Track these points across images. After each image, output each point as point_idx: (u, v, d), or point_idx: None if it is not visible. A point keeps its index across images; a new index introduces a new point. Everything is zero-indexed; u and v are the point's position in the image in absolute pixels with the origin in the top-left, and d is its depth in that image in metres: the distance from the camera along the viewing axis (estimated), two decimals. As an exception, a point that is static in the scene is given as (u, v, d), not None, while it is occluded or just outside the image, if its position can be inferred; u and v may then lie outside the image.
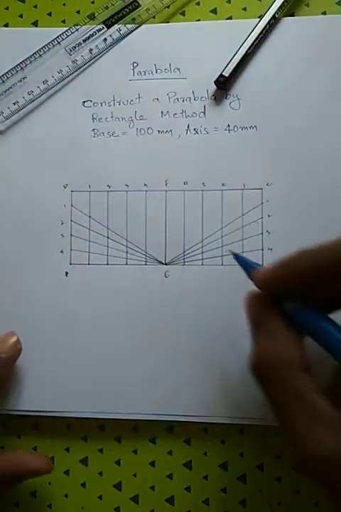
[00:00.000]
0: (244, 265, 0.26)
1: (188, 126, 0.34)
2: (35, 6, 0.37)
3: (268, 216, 0.32)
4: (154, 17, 0.36)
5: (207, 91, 0.34)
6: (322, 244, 0.22)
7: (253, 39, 0.33)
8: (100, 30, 0.35)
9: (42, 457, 0.30)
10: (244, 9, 0.35)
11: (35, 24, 0.37)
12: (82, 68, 0.35)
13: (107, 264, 0.33)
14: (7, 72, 0.34)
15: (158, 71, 0.34)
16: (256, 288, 0.24)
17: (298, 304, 0.23)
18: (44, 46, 0.35)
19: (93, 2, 0.37)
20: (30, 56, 0.35)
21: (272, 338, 0.22)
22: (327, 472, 0.20)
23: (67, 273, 0.33)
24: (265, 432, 0.31)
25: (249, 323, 0.24)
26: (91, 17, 0.35)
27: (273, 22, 0.34)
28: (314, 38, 0.34)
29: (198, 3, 0.36)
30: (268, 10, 0.34)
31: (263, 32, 0.33)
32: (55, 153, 0.34)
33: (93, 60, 0.35)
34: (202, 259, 0.32)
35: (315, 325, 0.22)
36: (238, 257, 0.27)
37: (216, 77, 0.33)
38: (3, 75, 0.34)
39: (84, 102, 0.35)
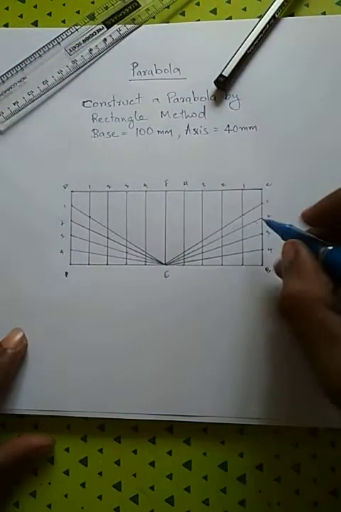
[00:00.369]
0: (276, 228, 0.28)
1: (188, 127, 0.34)
2: (35, 6, 0.37)
3: (268, 216, 0.32)
4: (154, 17, 0.36)
5: (207, 91, 0.34)
6: None
7: (253, 39, 0.33)
8: (100, 30, 0.35)
9: (43, 436, 0.32)
10: (244, 9, 0.35)
11: (35, 24, 0.37)
12: (82, 68, 0.35)
13: (107, 264, 0.33)
14: (7, 73, 0.34)
15: (158, 71, 0.34)
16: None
17: (333, 247, 0.24)
18: (44, 46, 0.35)
19: (93, 2, 0.37)
20: (30, 56, 0.35)
21: (302, 278, 0.24)
22: None
23: (67, 273, 0.33)
24: (265, 431, 0.31)
25: (283, 266, 0.26)
26: (91, 17, 0.35)
27: (273, 22, 0.34)
28: (314, 38, 0.34)
29: (198, 4, 0.36)
30: (267, 10, 0.34)
31: (263, 32, 0.33)
32: (54, 154, 0.34)
33: (93, 60, 0.35)
34: (202, 259, 0.32)
35: None
36: (270, 223, 0.29)
37: (216, 77, 0.33)
38: (3, 75, 0.34)
39: (84, 102, 0.35)
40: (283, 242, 0.27)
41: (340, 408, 0.21)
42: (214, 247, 0.32)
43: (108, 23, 0.35)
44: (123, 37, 0.35)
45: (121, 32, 0.35)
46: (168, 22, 0.36)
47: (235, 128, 0.33)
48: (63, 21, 0.36)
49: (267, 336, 0.31)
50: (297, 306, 0.23)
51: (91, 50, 0.35)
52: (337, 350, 0.21)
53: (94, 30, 0.35)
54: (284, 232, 0.28)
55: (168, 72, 0.34)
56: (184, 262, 0.32)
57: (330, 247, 0.24)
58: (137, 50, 0.35)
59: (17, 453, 0.31)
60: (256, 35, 0.33)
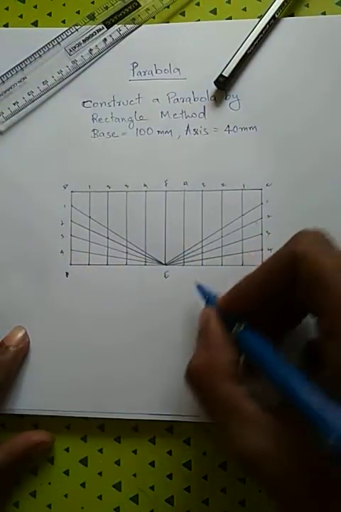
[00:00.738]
0: (204, 295, 0.29)
1: (188, 127, 0.34)
2: (35, 6, 0.37)
3: (268, 217, 0.32)
4: (154, 17, 0.35)
5: (207, 91, 0.34)
6: (263, 263, 0.25)
7: (253, 39, 0.33)
8: (100, 30, 0.35)
9: (43, 431, 0.32)
10: (244, 9, 0.35)
11: (35, 24, 0.37)
12: (82, 68, 0.35)
13: (107, 264, 0.33)
14: (7, 73, 0.34)
15: (158, 71, 0.34)
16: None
17: (242, 329, 0.25)
18: (44, 46, 0.35)
19: (93, 2, 0.37)
20: (30, 56, 0.35)
21: (207, 349, 0.24)
22: (254, 469, 0.21)
23: (67, 273, 0.33)
24: (265, 432, 0.31)
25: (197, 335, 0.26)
26: (91, 17, 0.35)
27: (273, 22, 0.34)
28: (314, 38, 0.34)
29: (198, 4, 0.36)
30: (267, 10, 0.34)
31: (263, 32, 0.33)
32: (55, 154, 0.34)
33: (93, 61, 0.35)
34: (202, 259, 0.32)
35: (253, 348, 0.24)
36: (200, 288, 0.30)
37: (216, 77, 0.33)
38: (3, 75, 0.34)
39: (84, 102, 0.35)
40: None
41: (253, 480, 0.22)
42: (214, 247, 0.32)
43: (108, 23, 0.35)
44: (123, 37, 0.35)
45: (121, 32, 0.35)
46: (168, 22, 0.36)
47: (235, 128, 0.33)
48: (63, 21, 0.36)
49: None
50: (202, 379, 0.24)
51: (91, 50, 0.35)
52: (243, 424, 0.22)
53: (94, 30, 0.35)
54: (208, 299, 0.29)
55: (168, 73, 0.34)
56: (184, 262, 0.32)
57: (240, 328, 0.25)
58: (137, 50, 0.35)
59: (17, 451, 0.31)
60: (256, 36, 0.33)
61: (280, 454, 0.21)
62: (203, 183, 0.33)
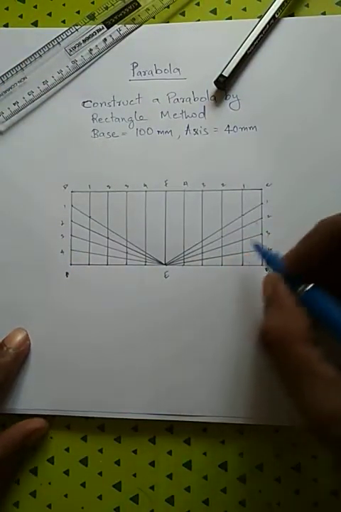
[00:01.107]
0: (266, 257, 0.29)
1: (188, 127, 0.34)
2: (35, 6, 0.37)
3: (268, 217, 0.32)
4: (154, 17, 0.36)
5: (207, 91, 0.34)
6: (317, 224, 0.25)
7: (253, 39, 0.33)
8: (100, 30, 0.35)
9: (37, 418, 0.32)
10: (244, 9, 0.35)
11: (35, 24, 0.37)
12: (82, 68, 0.35)
13: (107, 264, 0.33)
14: (7, 73, 0.34)
15: (158, 71, 0.34)
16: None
17: (310, 288, 0.25)
18: (44, 46, 0.35)
19: (93, 2, 0.37)
20: (30, 56, 0.35)
21: (279, 314, 0.24)
22: (327, 430, 0.21)
23: (67, 273, 0.33)
24: (265, 431, 0.31)
25: (263, 300, 0.26)
26: (91, 17, 0.35)
27: (273, 22, 0.34)
28: (314, 39, 0.34)
29: (198, 4, 0.36)
30: (267, 10, 0.34)
31: (263, 32, 0.33)
32: (55, 154, 0.34)
33: (93, 61, 0.35)
34: (202, 259, 0.32)
35: (320, 308, 0.24)
36: (260, 249, 0.29)
37: (216, 77, 0.33)
38: (3, 75, 0.34)
39: (84, 102, 0.35)
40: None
41: (323, 444, 0.22)
42: (214, 247, 0.32)
43: (108, 23, 0.35)
44: (123, 37, 0.35)
45: (121, 32, 0.35)
46: (167, 22, 0.36)
47: (235, 128, 0.33)
48: (63, 21, 0.36)
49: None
50: (277, 342, 0.23)
51: (91, 50, 0.35)
52: (318, 386, 0.22)
53: (94, 30, 0.35)
54: (269, 260, 0.28)
55: (168, 72, 0.34)
56: (184, 262, 0.32)
57: (308, 288, 0.25)
58: (137, 50, 0.35)
59: (13, 441, 0.31)
60: (256, 36, 0.33)
61: None
62: (203, 183, 0.33)
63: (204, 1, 0.36)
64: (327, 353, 0.23)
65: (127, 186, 0.33)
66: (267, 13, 0.33)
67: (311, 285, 0.25)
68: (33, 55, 0.35)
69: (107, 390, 0.32)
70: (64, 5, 0.37)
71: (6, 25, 0.37)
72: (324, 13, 0.34)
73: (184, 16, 0.36)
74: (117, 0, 0.36)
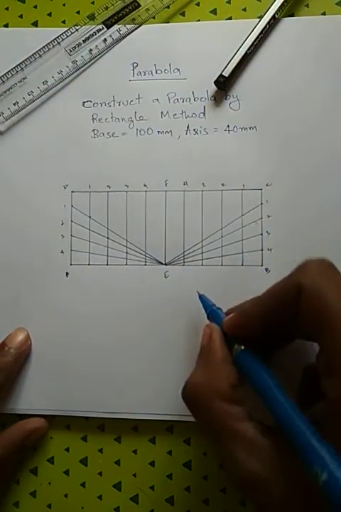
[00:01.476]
0: (205, 307, 0.30)
1: (188, 127, 0.34)
2: (35, 7, 0.37)
3: (268, 217, 0.32)
4: (154, 17, 0.36)
5: (207, 91, 0.34)
6: (268, 290, 0.25)
7: (253, 39, 0.33)
8: (100, 30, 0.35)
9: (36, 418, 0.32)
10: (244, 10, 0.35)
11: (35, 24, 0.37)
12: (82, 69, 0.35)
13: (107, 264, 0.33)
14: (7, 73, 0.35)
15: (158, 71, 0.34)
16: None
17: (241, 350, 0.25)
18: (44, 46, 0.35)
19: (93, 2, 0.37)
20: (30, 56, 0.35)
21: (205, 369, 0.24)
22: (249, 491, 0.21)
23: (67, 273, 0.33)
24: (264, 432, 0.31)
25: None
26: (91, 17, 0.35)
27: (273, 22, 0.34)
28: (314, 39, 0.34)
29: (198, 4, 0.36)
30: (267, 10, 0.34)
31: (263, 32, 0.33)
32: (55, 154, 0.34)
33: (93, 61, 0.35)
34: (202, 259, 0.32)
35: (250, 371, 0.24)
36: (203, 299, 0.30)
37: (216, 77, 0.33)
38: (3, 76, 0.34)
39: (84, 102, 0.35)
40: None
41: (248, 497, 0.22)
42: (214, 247, 0.32)
43: (108, 24, 0.35)
44: (123, 37, 0.35)
45: (121, 32, 0.35)
46: (167, 22, 0.36)
47: (235, 128, 0.33)
48: (63, 21, 0.36)
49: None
50: (195, 398, 0.24)
51: (91, 50, 0.35)
52: (237, 447, 0.22)
53: (94, 30, 0.35)
54: (210, 312, 0.29)
55: (168, 73, 0.34)
56: (184, 262, 0.33)
57: (240, 349, 0.25)
58: (137, 50, 0.35)
59: (14, 441, 0.31)
60: (256, 36, 0.33)
61: (276, 479, 0.21)
62: (203, 183, 0.33)
63: (204, 1, 0.36)
64: (255, 412, 0.23)
65: (127, 186, 0.33)
66: (267, 13, 0.34)
67: (242, 347, 0.25)
68: (33, 55, 0.35)
69: (107, 389, 0.32)
70: (64, 5, 0.37)
71: (6, 26, 0.37)
72: (324, 14, 0.35)
73: (184, 16, 0.36)
74: (117, 0, 0.36)
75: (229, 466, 0.22)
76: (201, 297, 0.30)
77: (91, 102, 0.35)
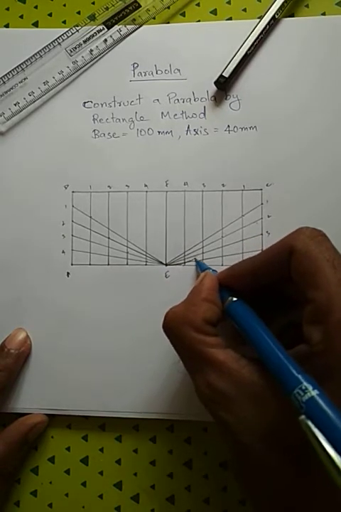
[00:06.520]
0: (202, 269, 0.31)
1: (188, 127, 0.34)
2: (36, 7, 0.37)
3: (268, 217, 0.32)
4: (154, 18, 0.36)
5: (207, 92, 0.34)
6: (262, 252, 0.27)
7: (253, 40, 0.33)
8: (100, 31, 0.35)
9: (36, 414, 0.32)
10: (244, 10, 0.35)
11: (36, 25, 0.37)
12: (83, 69, 0.35)
13: (108, 264, 0.33)
14: (8, 73, 0.35)
15: (159, 72, 0.35)
16: None
17: (235, 300, 0.26)
18: (44, 47, 0.35)
19: (93, 3, 0.37)
20: (31, 57, 0.35)
21: (187, 303, 0.26)
22: (214, 409, 0.23)
23: (68, 273, 0.33)
24: (265, 431, 0.31)
25: None
26: (92, 18, 0.35)
27: (273, 23, 0.34)
28: (314, 39, 0.34)
29: (198, 4, 0.36)
30: (268, 11, 0.34)
31: (263, 33, 0.33)
32: (55, 154, 0.34)
33: (93, 61, 0.35)
34: (203, 259, 0.32)
35: (239, 316, 0.25)
36: (200, 264, 0.32)
37: (216, 77, 0.33)
38: (4, 76, 0.35)
39: (84, 102, 0.35)
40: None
41: (214, 417, 0.24)
42: (214, 247, 0.32)
43: (108, 24, 0.35)
44: (123, 38, 0.35)
45: (121, 33, 0.35)
46: (168, 22, 0.36)
47: (235, 128, 0.33)
48: (64, 22, 0.37)
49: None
50: (170, 326, 0.26)
51: (91, 50, 0.35)
52: (206, 368, 0.23)
53: (94, 30, 0.35)
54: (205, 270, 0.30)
55: (169, 73, 0.34)
56: (184, 262, 0.33)
57: (234, 299, 0.26)
58: (137, 50, 0.35)
59: (16, 437, 0.31)
60: (256, 36, 0.33)
61: (243, 399, 0.22)
62: (203, 184, 0.33)
63: (204, 1, 0.36)
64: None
65: (128, 186, 0.34)
66: (267, 14, 0.34)
67: (234, 299, 0.26)
68: (33, 55, 0.35)
69: (108, 389, 0.32)
70: (64, 6, 0.37)
71: (7, 26, 0.37)
72: (324, 14, 0.35)
73: (184, 16, 0.36)
74: (118, 1, 0.36)
75: (199, 387, 0.24)
76: (199, 263, 0.32)
77: (91, 102, 0.35)
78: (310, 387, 0.20)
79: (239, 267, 0.27)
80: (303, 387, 0.20)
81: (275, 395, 0.22)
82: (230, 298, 0.26)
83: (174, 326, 0.25)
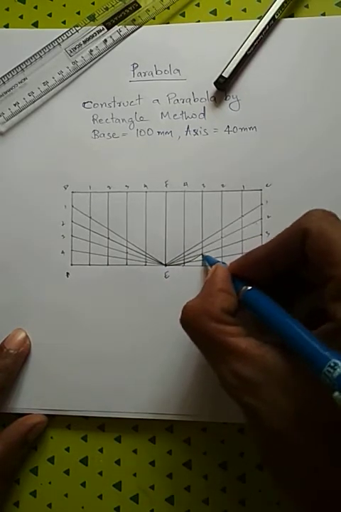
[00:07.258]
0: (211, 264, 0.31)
1: (188, 128, 0.34)
2: (36, 7, 0.37)
3: (268, 217, 0.32)
4: (154, 18, 0.36)
5: (207, 92, 0.34)
6: (274, 238, 0.26)
7: (252, 40, 0.33)
8: (100, 31, 0.35)
9: (35, 414, 0.32)
10: (244, 10, 0.35)
11: (36, 25, 0.37)
12: (83, 69, 0.35)
13: (108, 264, 0.33)
14: (7, 73, 0.35)
15: (158, 72, 0.35)
16: None
17: (250, 289, 0.26)
18: (44, 47, 0.35)
19: (93, 3, 0.37)
20: (31, 57, 0.35)
21: (202, 295, 0.26)
22: (240, 396, 0.23)
23: (68, 274, 0.33)
24: (264, 431, 0.31)
25: None
26: (92, 18, 0.35)
27: (273, 23, 0.34)
28: (314, 39, 0.34)
29: (198, 4, 0.36)
30: (267, 11, 0.34)
31: (263, 33, 0.33)
32: (55, 154, 0.34)
33: (93, 61, 0.35)
34: (202, 260, 0.32)
35: (256, 303, 0.25)
36: (208, 258, 0.32)
37: (216, 78, 0.33)
38: (3, 76, 0.35)
39: (84, 103, 0.35)
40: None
41: (240, 404, 0.23)
42: (214, 247, 0.32)
43: (108, 24, 0.35)
44: (123, 38, 0.35)
45: (121, 33, 0.35)
46: (168, 23, 0.36)
47: (235, 129, 0.33)
48: (63, 22, 0.37)
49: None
50: (189, 320, 0.26)
51: (91, 51, 0.35)
52: (229, 358, 0.23)
53: (94, 31, 0.35)
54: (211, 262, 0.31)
55: (168, 73, 0.34)
56: (184, 262, 0.33)
57: (249, 288, 0.26)
58: (137, 51, 0.35)
59: (15, 437, 0.31)
60: (256, 36, 0.33)
61: (270, 383, 0.22)
62: (203, 184, 0.33)
63: (204, 1, 0.36)
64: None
65: (127, 187, 0.34)
66: (267, 14, 0.34)
67: (249, 288, 0.26)
68: (33, 56, 0.35)
69: (107, 389, 0.32)
70: (64, 6, 0.37)
71: (7, 26, 0.37)
72: (324, 14, 0.35)
73: (184, 16, 0.36)
74: (117, 1, 0.36)
75: (225, 377, 0.23)
76: (207, 257, 0.32)
77: (91, 102, 0.35)
78: (340, 363, 0.20)
79: (252, 255, 0.27)
80: (332, 364, 0.20)
81: (302, 376, 0.22)
82: (244, 287, 0.26)
83: (193, 319, 0.25)
